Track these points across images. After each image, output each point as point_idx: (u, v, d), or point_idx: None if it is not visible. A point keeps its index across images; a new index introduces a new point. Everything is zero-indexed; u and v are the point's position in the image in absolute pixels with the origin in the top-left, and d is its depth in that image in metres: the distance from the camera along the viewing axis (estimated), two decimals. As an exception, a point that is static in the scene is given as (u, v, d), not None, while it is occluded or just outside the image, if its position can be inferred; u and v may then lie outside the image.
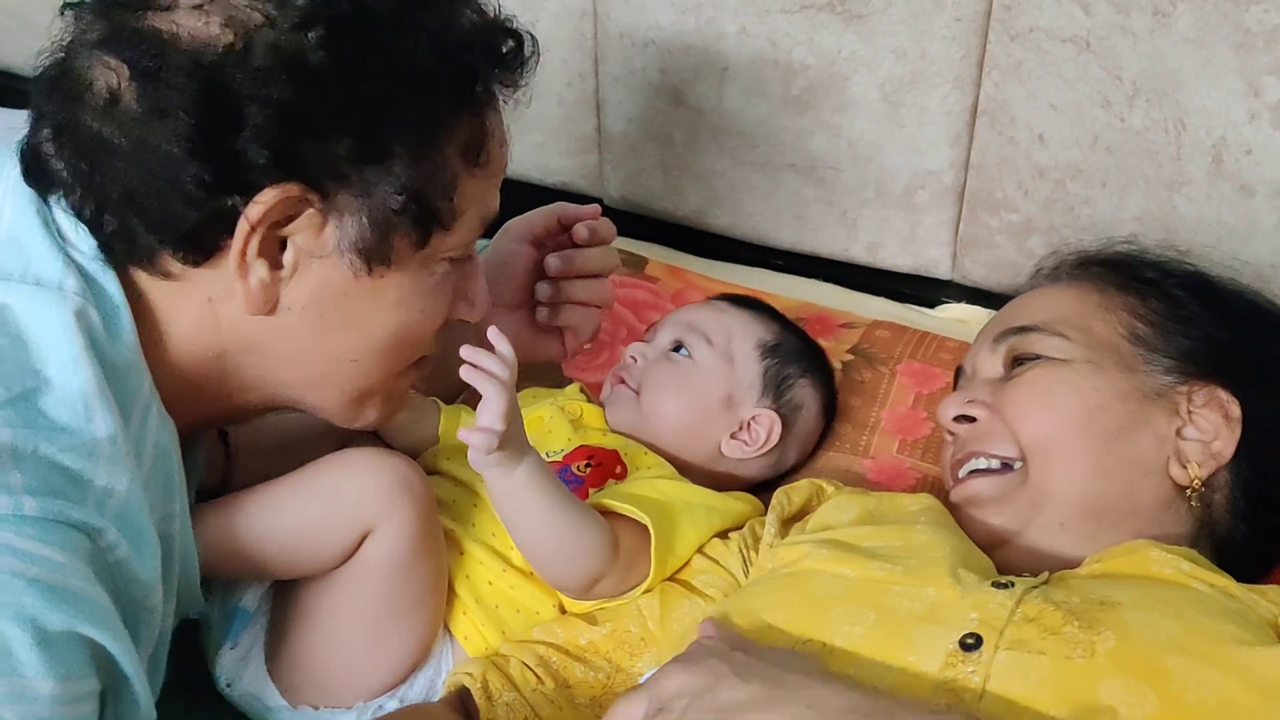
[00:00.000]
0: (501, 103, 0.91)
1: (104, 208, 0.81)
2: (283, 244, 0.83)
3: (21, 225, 0.82)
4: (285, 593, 1.00)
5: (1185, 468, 0.96)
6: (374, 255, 0.84)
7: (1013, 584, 0.84)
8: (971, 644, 0.78)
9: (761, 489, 1.14)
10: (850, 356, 1.30)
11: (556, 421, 1.12)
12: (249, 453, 1.05)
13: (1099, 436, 0.96)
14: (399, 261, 0.85)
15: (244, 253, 0.81)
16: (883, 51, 1.28)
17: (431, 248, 0.87)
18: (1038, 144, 1.26)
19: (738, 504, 1.07)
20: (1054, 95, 1.23)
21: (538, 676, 0.95)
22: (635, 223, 1.55)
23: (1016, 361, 1.02)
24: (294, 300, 0.85)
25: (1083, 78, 1.20)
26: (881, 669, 0.78)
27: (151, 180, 0.79)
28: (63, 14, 0.83)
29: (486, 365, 0.90)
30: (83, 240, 0.82)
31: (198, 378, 0.87)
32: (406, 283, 0.87)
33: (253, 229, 0.80)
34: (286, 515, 0.94)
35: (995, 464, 1.00)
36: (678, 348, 1.14)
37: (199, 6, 0.79)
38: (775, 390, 1.13)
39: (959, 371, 1.11)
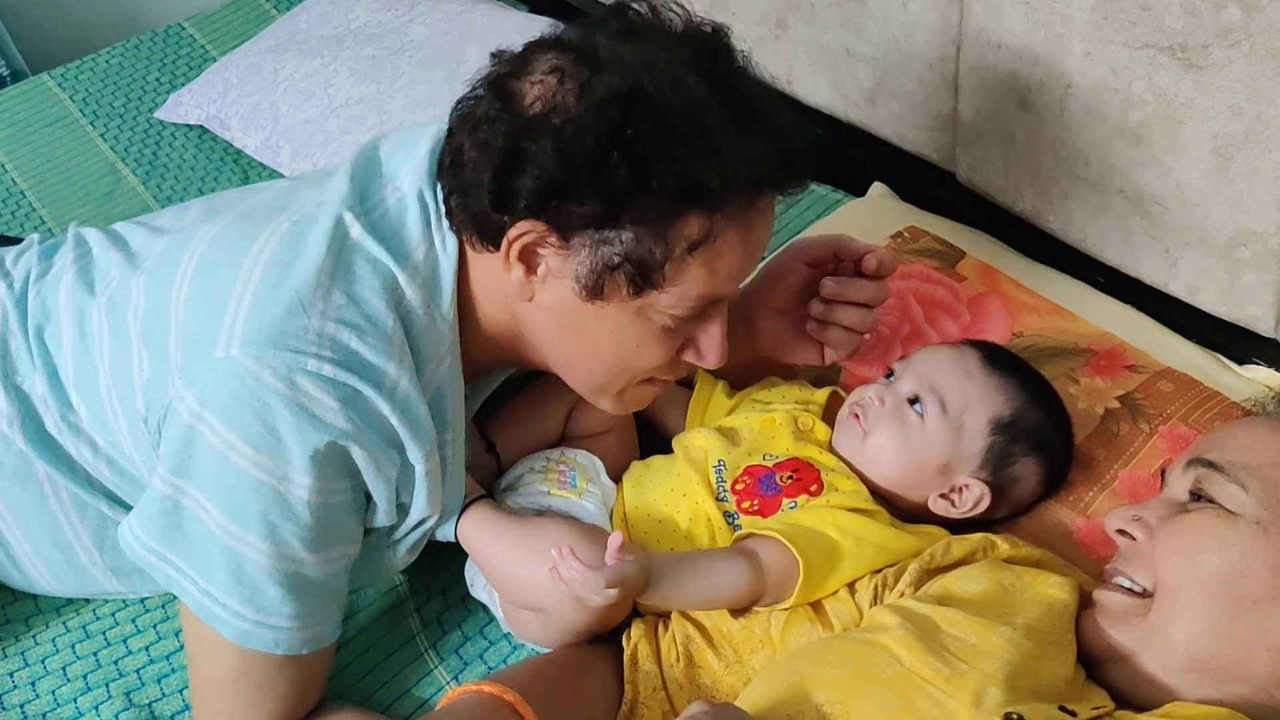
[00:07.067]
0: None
1: (454, 196, 1.08)
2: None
3: (409, 204, 1.11)
4: None
5: None
6: (591, 290, 1.04)
7: (1075, 714, 0.89)
8: None
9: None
10: (1116, 404, 1.30)
11: (783, 430, 1.23)
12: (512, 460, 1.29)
13: (1230, 601, 0.95)
14: (614, 301, 1.05)
15: (507, 256, 1.05)
16: (1218, 105, 1.22)
17: (645, 301, 1.05)
18: (1368, 232, 1.16)
19: (913, 542, 1.12)
20: (1391, 188, 1.12)
21: (678, 654, 1.10)
22: (980, 207, 1.59)
23: (1195, 495, 1.02)
24: (544, 300, 1.08)
25: None
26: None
27: (473, 188, 1.04)
28: (491, 58, 1.09)
29: (568, 579, 1.01)
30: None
31: (500, 326, 1.13)
32: (624, 320, 1.07)
33: (510, 243, 1.04)
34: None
35: (1135, 587, 1.01)
36: (914, 400, 1.17)
37: (535, 82, 1.02)
38: (995, 465, 1.16)
39: (1163, 471, 1.10)
